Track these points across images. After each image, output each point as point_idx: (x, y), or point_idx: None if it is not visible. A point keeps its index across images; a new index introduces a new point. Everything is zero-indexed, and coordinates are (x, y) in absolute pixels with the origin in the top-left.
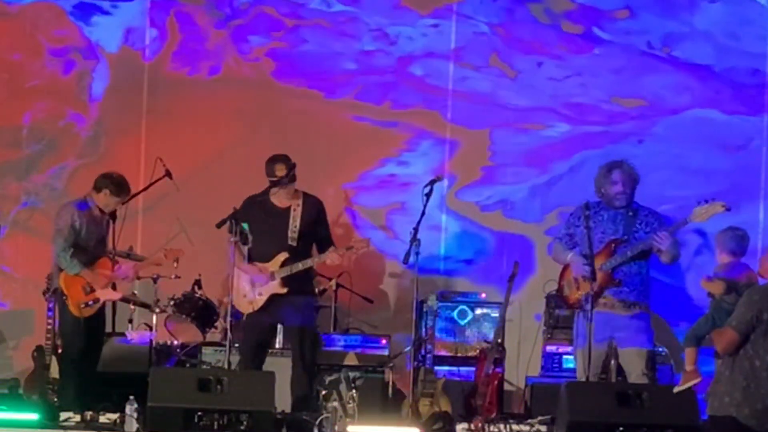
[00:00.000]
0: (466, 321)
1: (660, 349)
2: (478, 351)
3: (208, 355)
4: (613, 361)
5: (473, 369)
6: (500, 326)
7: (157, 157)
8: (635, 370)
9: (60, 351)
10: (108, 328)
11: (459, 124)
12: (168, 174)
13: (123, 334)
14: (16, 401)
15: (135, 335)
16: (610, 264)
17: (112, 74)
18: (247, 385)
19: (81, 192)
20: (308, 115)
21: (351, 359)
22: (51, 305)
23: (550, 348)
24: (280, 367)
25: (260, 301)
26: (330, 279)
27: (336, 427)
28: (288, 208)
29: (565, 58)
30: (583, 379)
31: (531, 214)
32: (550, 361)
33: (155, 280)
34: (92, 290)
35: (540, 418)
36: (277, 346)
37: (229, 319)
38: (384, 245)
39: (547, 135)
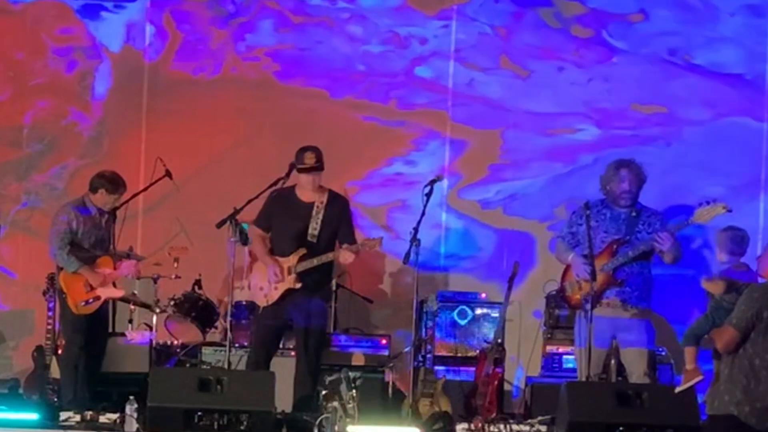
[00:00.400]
0: (466, 321)
1: (660, 350)
2: (478, 351)
3: (208, 355)
4: (613, 361)
5: (473, 369)
6: (500, 326)
7: (157, 157)
8: (637, 371)
9: (60, 351)
10: (108, 329)
11: (465, 123)
12: (168, 174)
13: (123, 334)
14: (16, 401)
15: (135, 335)
16: (612, 264)
17: (115, 74)
18: (247, 385)
19: (81, 192)
20: (312, 114)
21: (352, 359)
22: (51, 305)
23: (550, 348)
24: (282, 367)
25: (275, 294)
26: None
27: (336, 427)
28: (312, 204)
29: (577, 62)
30: (584, 379)
31: (538, 210)
32: (550, 361)
33: (155, 280)
34: (92, 288)
35: (540, 418)
36: (280, 345)
37: (229, 319)
38: (384, 244)
39: (561, 136)
